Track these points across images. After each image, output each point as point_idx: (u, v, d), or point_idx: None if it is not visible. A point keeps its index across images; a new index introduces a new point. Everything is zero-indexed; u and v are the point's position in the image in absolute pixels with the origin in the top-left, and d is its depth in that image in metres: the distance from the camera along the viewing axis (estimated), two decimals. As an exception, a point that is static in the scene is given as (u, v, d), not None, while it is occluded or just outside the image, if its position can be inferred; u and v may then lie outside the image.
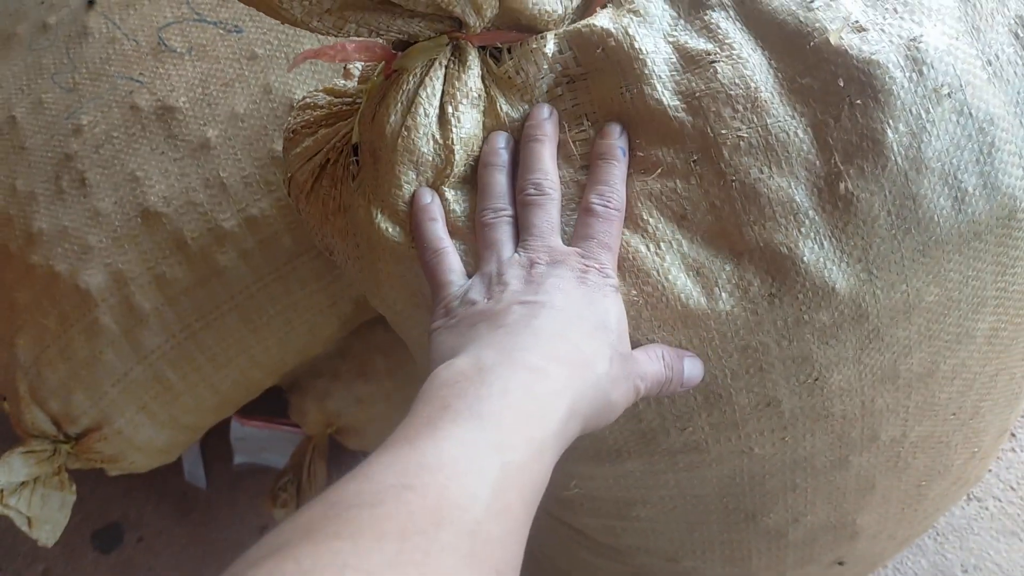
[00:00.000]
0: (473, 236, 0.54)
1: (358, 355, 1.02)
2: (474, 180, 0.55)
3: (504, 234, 0.52)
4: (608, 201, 0.51)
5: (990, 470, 1.14)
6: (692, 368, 0.52)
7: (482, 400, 0.41)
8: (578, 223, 0.52)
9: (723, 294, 0.51)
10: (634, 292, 0.51)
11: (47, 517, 0.84)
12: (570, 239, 0.52)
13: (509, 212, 0.53)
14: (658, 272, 0.51)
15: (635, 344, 0.52)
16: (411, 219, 0.54)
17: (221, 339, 0.81)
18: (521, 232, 0.52)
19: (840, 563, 0.80)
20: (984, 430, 0.70)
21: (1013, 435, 1.18)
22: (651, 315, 0.52)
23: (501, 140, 0.55)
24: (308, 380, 1.05)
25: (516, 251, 0.51)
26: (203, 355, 0.81)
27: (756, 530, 0.69)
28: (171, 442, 0.89)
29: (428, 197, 0.54)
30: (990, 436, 0.73)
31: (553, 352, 0.45)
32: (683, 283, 0.51)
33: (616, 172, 0.52)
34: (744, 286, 0.51)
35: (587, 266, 0.50)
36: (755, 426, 0.58)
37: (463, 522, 0.36)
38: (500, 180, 0.54)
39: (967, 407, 0.65)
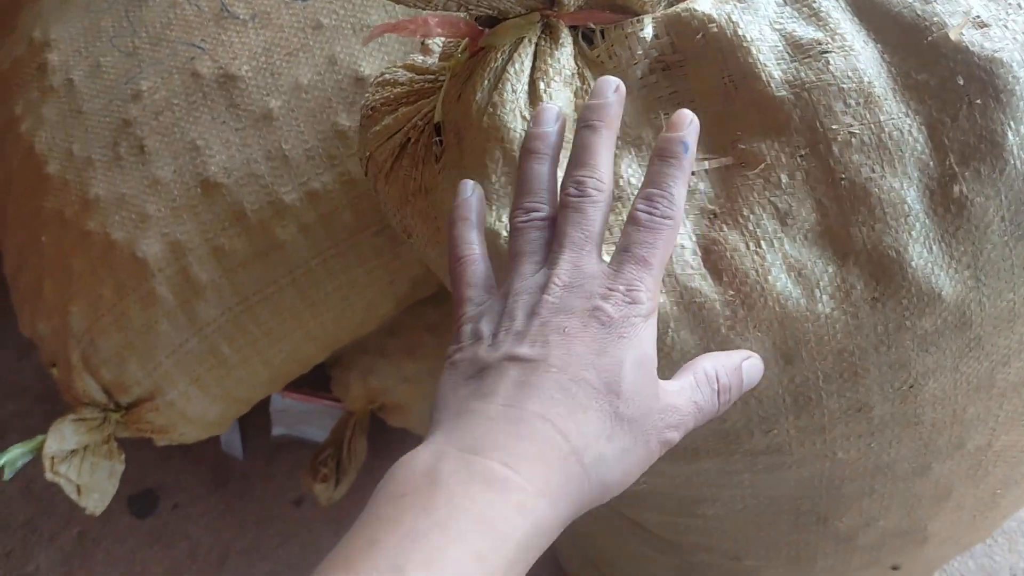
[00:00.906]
0: None
1: (407, 332, 1.00)
2: (564, 161, 0.53)
3: (533, 242, 0.45)
4: (655, 208, 0.43)
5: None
6: (751, 372, 0.47)
7: (415, 545, 0.35)
8: (621, 235, 0.44)
9: (824, 296, 0.49)
10: (731, 292, 0.49)
11: (95, 485, 0.83)
12: None
13: (544, 214, 0.45)
14: (757, 272, 0.49)
15: (726, 344, 0.50)
16: (448, 217, 0.48)
17: (277, 313, 0.79)
18: (553, 241, 0.44)
19: (895, 567, 0.79)
20: (1066, 440, 0.68)
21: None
22: (746, 315, 0.49)
23: (551, 117, 0.47)
24: (354, 355, 1.04)
25: (544, 267, 0.44)
26: (258, 329, 0.80)
27: (825, 533, 0.67)
28: (222, 414, 0.88)
29: (468, 191, 0.48)
30: (1070, 445, 0.70)
31: (527, 448, 0.38)
32: (783, 284, 0.49)
33: (673, 173, 0.44)
34: (846, 289, 0.49)
35: (610, 291, 0.42)
36: (842, 431, 0.56)
37: None
38: (540, 172, 0.46)
39: (1055, 416, 0.63)
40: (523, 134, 0.51)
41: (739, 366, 0.46)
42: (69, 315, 0.78)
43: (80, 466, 0.81)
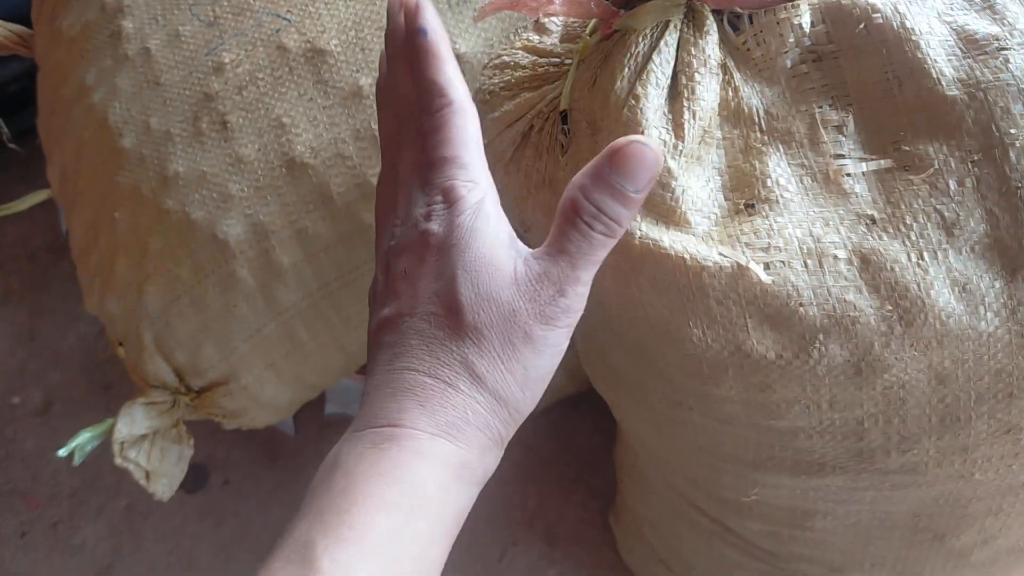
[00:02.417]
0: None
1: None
2: (704, 159, 0.49)
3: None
4: (428, 107, 0.42)
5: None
6: (625, 165, 0.39)
7: (321, 513, 0.36)
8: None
9: (988, 313, 0.46)
10: (888, 307, 0.46)
11: (165, 471, 0.81)
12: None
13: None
14: (919, 286, 0.45)
15: (879, 362, 0.46)
16: None
17: (357, 300, 0.76)
18: None
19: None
20: None
21: None
22: (904, 332, 0.46)
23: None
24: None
25: None
26: (337, 315, 0.77)
27: (940, 550, 0.64)
28: (293, 400, 0.85)
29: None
30: None
31: (405, 402, 0.40)
32: (946, 300, 0.45)
33: (425, 63, 0.42)
34: (1013, 306, 0.46)
35: (430, 207, 0.41)
36: (985, 452, 0.52)
37: None
38: None
39: None
40: (662, 131, 0.47)
41: (601, 169, 0.39)
42: (144, 295, 0.75)
43: (150, 451, 0.79)
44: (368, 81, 0.71)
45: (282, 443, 1.29)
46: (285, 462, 1.28)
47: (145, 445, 0.79)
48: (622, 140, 0.39)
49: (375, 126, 0.71)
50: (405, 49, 0.43)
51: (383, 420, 0.38)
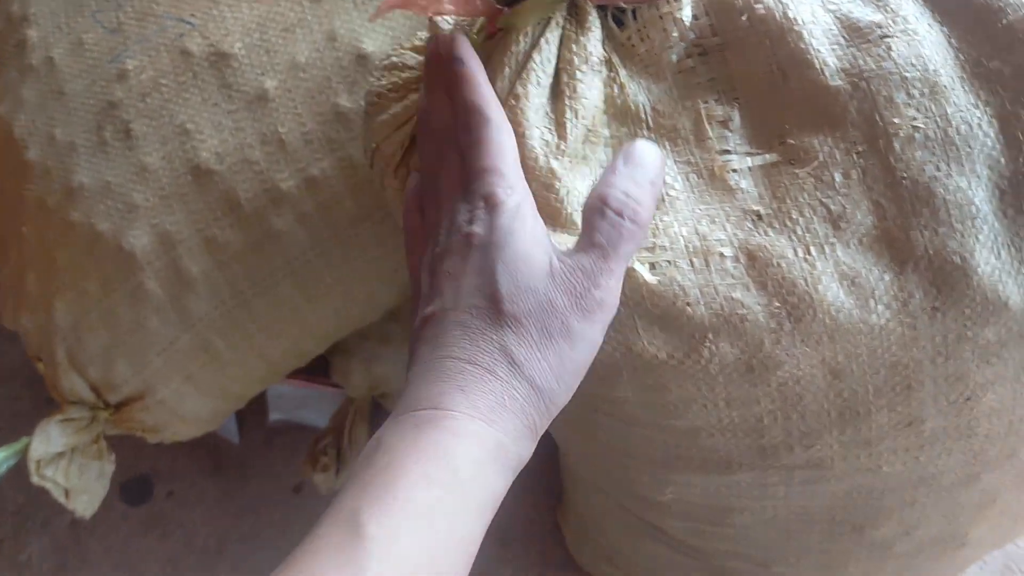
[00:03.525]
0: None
1: (409, 318, 0.96)
2: (591, 159, 0.48)
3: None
4: (468, 125, 0.45)
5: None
6: (635, 158, 0.44)
7: (364, 487, 0.39)
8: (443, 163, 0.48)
9: (879, 306, 0.45)
10: (776, 303, 0.45)
11: (85, 487, 0.79)
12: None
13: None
14: (807, 281, 0.44)
15: (770, 360, 0.46)
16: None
17: (274, 308, 0.74)
18: None
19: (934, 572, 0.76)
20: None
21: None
22: (793, 328, 0.45)
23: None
24: (355, 342, 0.99)
25: None
26: (254, 324, 0.75)
27: (860, 541, 0.63)
28: (216, 411, 0.84)
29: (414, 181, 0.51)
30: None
31: (444, 386, 0.42)
32: (835, 294, 0.45)
33: (462, 88, 0.46)
34: (904, 298, 0.45)
35: (472, 212, 0.44)
36: (890, 445, 0.52)
37: None
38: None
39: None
40: (543, 131, 0.46)
41: (618, 170, 0.44)
42: (54, 310, 0.73)
43: (68, 468, 0.77)
44: (273, 84, 0.70)
45: (227, 452, 1.27)
46: (230, 471, 1.26)
47: (63, 463, 0.77)
48: (630, 142, 0.44)
49: (282, 130, 0.69)
50: (442, 79, 0.46)
51: (424, 404, 0.41)
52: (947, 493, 0.58)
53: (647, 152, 0.44)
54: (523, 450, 0.42)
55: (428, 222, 0.47)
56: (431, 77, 0.48)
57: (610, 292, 0.43)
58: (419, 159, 0.50)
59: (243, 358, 0.77)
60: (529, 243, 0.43)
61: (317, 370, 1.10)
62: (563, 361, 0.42)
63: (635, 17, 0.48)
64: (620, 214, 0.42)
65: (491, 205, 0.43)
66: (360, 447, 1.09)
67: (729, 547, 0.67)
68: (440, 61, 0.47)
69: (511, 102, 0.46)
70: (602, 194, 0.43)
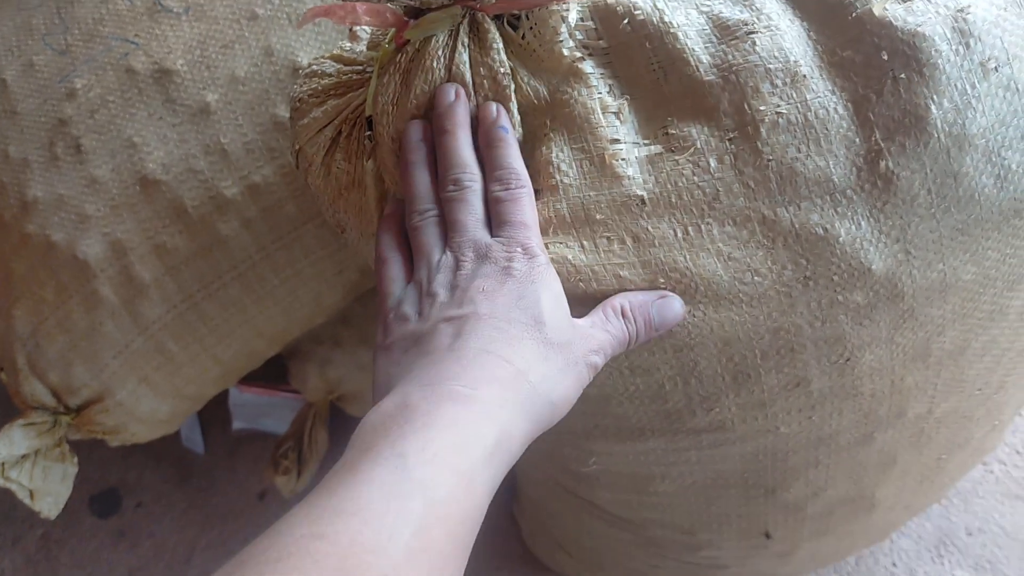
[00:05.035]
0: None
1: (360, 321, 1.00)
2: None
3: (431, 235, 0.51)
4: (508, 184, 0.50)
5: (996, 434, 1.14)
6: (664, 310, 0.50)
7: (405, 438, 0.40)
8: (491, 215, 0.50)
9: (756, 278, 0.50)
10: (661, 280, 0.49)
11: (49, 489, 0.82)
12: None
13: (435, 211, 0.51)
14: (686, 258, 0.49)
15: (667, 332, 0.50)
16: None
17: (223, 309, 0.78)
18: (448, 230, 0.51)
19: (850, 535, 0.80)
20: (1006, 403, 0.69)
21: (1018, 398, 1.18)
22: (679, 299, 0.50)
23: (416, 133, 0.52)
24: (309, 346, 1.03)
25: (445, 251, 0.50)
26: (205, 326, 0.79)
27: (775, 504, 0.68)
28: (173, 412, 0.87)
29: (393, 206, 0.54)
30: (1011, 408, 0.72)
31: (479, 373, 0.44)
32: (713, 270, 0.49)
33: (504, 151, 0.51)
34: (778, 271, 0.50)
35: (510, 253, 0.48)
36: (783, 405, 0.56)
37: (377, 567, 0.35)
38: (421, 179, 0.52)
39: (993, 382, 0.64)
40: None
41: (648, 303, 0.49)
42: (13, 319, 0.77)
43: (32, 471, 0.81)
44: (215, 97, 0.74)
45: (193, 462, 1.31)
46: (197, 481, 1.29)
47: (27, 465, 0.80)
48: (670, 298, 0.50)
49: (224, 140, 0.74)
50: (483, 136, 0.51)
51: (458, 383, 0.43)
52: (847, 453, 0.63)
53: (673, 308, 0.50)
54: (519, 453, 0.46)
55: (424, 239, 0.51)
56: (449, 118, 0.51)
57: (602, 362, 0.49)
58: (407, 183, 0.52)
59: (196, 359, 0.81)
60: (559, 293, 0.48)
61: (277, 378, 1.14)
62: (568, 391, 0.47)
63: (527, 16, 0.52)
64: (625, 322, 0.49)
65: (529, 254, 0.48)
66: (320, 450, 1.13)
67: (656, 516, 0.71)
68: (454, 109, 0.51)
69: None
70: (618, 303, 0.49)
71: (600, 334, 0.48)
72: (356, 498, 0.37)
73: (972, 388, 0.62)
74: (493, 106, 0.52)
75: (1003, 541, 1.06)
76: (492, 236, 0.49)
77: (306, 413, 1.12)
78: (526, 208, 0.50)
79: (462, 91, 0.52)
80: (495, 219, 0.50)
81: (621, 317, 0.49)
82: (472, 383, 0.43)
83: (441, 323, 0.46)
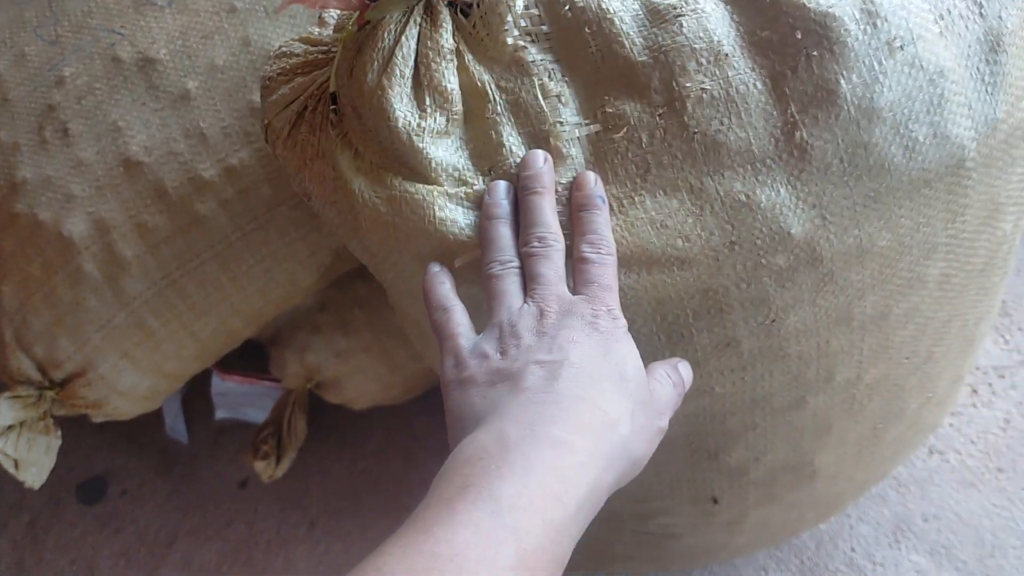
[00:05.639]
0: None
1: (338, 308, 1.04)
2: (452, 133, 0.56)
3: (512, 285, 0.53)
4: (599, 248, 0.53)
5: (951, 424, 1.18)
6: (688, 372, 0.56)
7: (504, 480, 0.42)
8: (576, 273, 0.53)
9: (685, 244, 0.54)
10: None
11: (33, 460, 0.86)
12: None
13: (516, 264, 0.53)
14: (622, 227, 0.53)
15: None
16: (423, 284, 0.55)
17: (201, 287, 0.83)
18: (528, 282, 0.53)
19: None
20: (939, 375, 0.73)
21: (975, 391, 1.22)
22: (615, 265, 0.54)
23: (502, 191, 0.54)
24: (288, 333, 1.07)
25: (525, 301, 0.52)
26: (184, 303, 0.83)
27: (719, 468, 0.72)
28: (154, 389, 0.91)
29: (436, 267, 0.56)
30: (944, 382, 0.76)
31: (577, 421, 0.46)
32: (647, 237, 0.53)
33: (600, 219, 0.53)
34: (706, 236, 0.54)
35: (596, 310, 0.50)
36: (716, 365, 0.60)
37: None
38: (504, 232, 0.54)
39: (920, 352, 0.68)
40: (409, 116, 0.55)
41: (677, 364, 0.56)
42: (1, 295, 0.81)
43: (17, 442, 0.84)
44: (195, 84, 0.79)
45: (176, 451, 1.34)
46: (180, 469, 1.33)
47: (12, 436, 0.84)
48: (684, 361, 0.57)
49: (203, 125, 0.78)
50: (580, 200, 0.54)
51: (557, 427, 0.45)
52: (782, 416, 0.67)
53: (689, 369, 0.57)
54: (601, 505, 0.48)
55: (504, 287, 0.53)
56: (540, 180, 0.54)
57: (667, 426, 0.52)
58: (489, 235, 0.54)
59: (175, 335, 0.85)
60: (638, 356, 0.51)
61: (259, 367, 1.18)
62: (647, 447, 0.50)
63: (478, 6, 0.57)
64: (675, 386, 0.54)
65: (613, 315, 0.51)
66: (299, 437, 1.16)
67: (608, 482, 0.75)
68: (549, 173, 0.54)
69: (378, 93, 0.55)
70: (666, 369, 0.55)
71: (665, 395, 0.53)
72: (452, 542, 0.39)
73: (899, 356, 0.66)
74: (591, 175, 0.54)
75: (958, 527, 1.10)
76: (574, 294, 0.52)
77: (285, 401, 1.16)
78: (612, 274, 0.53)
79: (550, 158, 0.54)
80: (580, 278, 0.52)
81: (670, 379, 0.54)
82: (570, 430, 0.45)
83: (532, 364, 0.48)
